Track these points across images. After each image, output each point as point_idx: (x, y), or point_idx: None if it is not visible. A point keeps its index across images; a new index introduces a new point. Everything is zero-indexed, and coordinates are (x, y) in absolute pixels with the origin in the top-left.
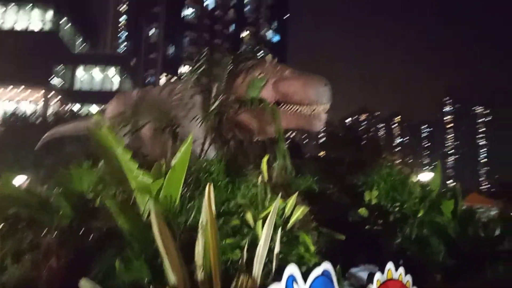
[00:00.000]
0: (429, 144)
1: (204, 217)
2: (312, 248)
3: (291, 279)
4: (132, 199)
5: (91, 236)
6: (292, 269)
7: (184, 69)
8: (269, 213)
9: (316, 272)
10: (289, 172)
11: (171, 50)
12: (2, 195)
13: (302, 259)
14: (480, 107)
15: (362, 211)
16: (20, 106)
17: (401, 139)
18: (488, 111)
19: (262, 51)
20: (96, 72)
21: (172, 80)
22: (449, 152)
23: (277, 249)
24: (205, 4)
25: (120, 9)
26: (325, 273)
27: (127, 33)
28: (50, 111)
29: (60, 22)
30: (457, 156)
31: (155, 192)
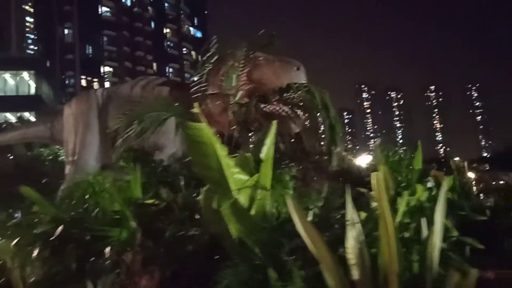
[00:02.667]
0: (351, 129)
1: (352, 213)
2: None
3: None
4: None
5: (182, 246)
6: None
7: (105, 68)
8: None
9: None
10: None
11: (89, 49)
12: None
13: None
14: (393, 92)
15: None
16: None
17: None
18: (400, 95)
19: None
20: (8, 77)
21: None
22: (370, 136)
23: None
24: (122, 1)
25: (26, 8)
26: None
27: (37, 34)
28: None
29: None
30: (376, 139)
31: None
